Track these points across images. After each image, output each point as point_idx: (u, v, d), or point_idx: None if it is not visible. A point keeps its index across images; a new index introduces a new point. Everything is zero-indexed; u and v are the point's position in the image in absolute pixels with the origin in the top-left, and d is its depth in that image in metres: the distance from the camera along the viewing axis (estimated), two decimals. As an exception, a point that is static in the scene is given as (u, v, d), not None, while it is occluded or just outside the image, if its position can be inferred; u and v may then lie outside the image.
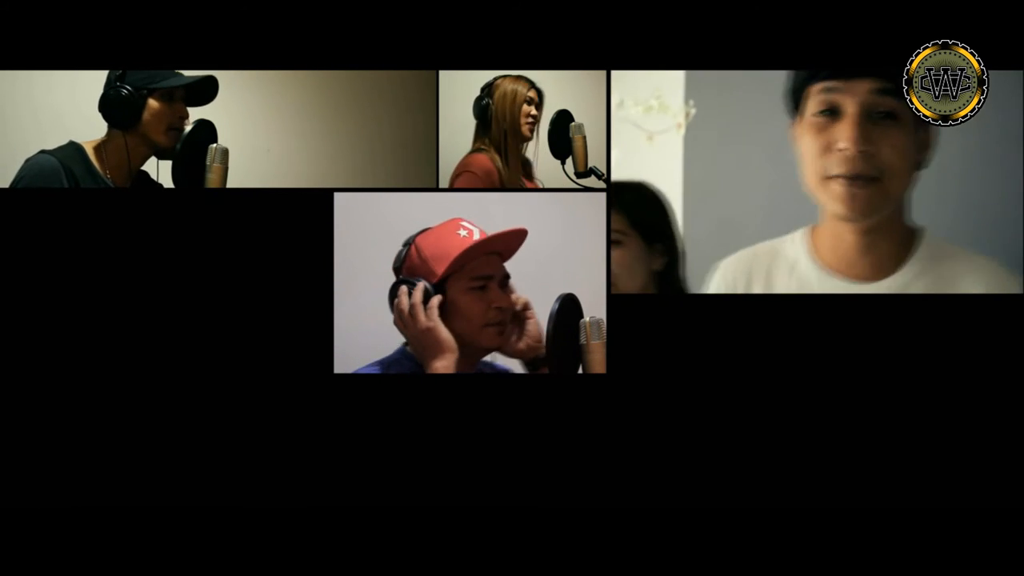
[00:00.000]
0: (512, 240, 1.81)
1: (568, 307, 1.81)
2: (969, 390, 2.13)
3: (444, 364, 1.73)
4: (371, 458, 2.08)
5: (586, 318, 1.82)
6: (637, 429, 2.10)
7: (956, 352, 2.14)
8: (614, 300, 2.06)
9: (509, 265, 1.83)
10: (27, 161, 1.97)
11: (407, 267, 1.80)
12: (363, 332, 2.08)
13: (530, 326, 1.81)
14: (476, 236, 1.77)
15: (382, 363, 1.82)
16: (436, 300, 1.74)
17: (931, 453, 2.13)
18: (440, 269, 1.75)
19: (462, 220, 1.80)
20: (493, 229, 1.80)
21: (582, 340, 1.81)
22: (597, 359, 1.82)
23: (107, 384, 2.01)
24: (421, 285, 1.74)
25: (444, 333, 1.73)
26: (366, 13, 2.10)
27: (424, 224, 1.85)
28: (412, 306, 1.73)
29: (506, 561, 2.05)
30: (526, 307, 1.81)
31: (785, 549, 2.04)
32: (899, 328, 2.15)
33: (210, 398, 2.07)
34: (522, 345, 1.81)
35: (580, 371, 1.83)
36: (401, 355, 1.81)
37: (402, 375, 1.83)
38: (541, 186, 2.28)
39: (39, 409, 2.04)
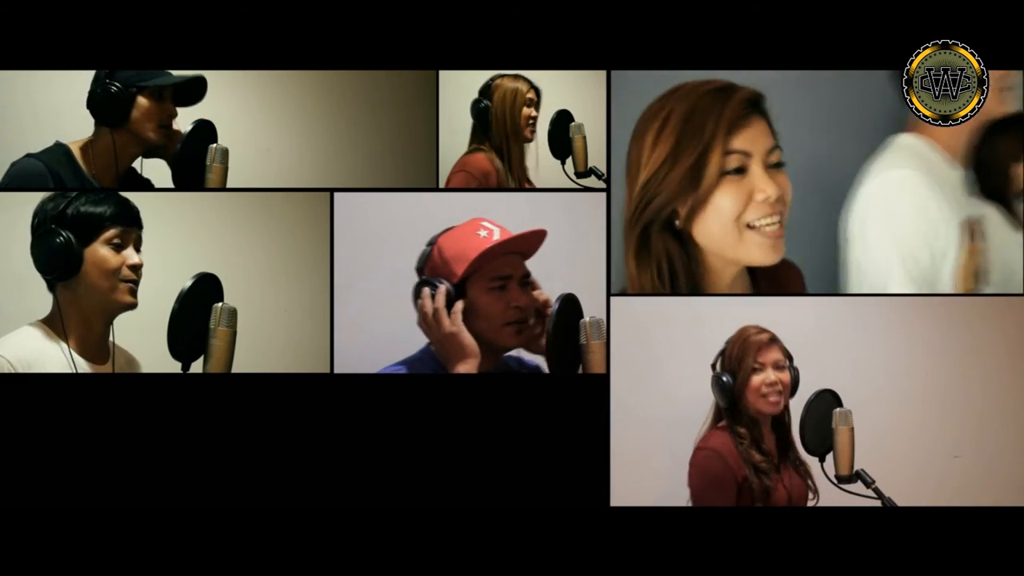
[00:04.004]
0: (531, 240, 1.82)
1: (568, 307, 1.81)
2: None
3: (467, 368, 1.75)
4: (370, 459, 2.08)
5: (586, 318, 1.82)
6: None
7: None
8: (614, 300, 2.06)
9: (509, 264, 1.83)
10: (13, 165, 1.96)
11: (429, 267, 1.81)
12: (363, 332, 2.08)
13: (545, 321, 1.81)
14: (496, 235, 1.78)
15: (406, 363, 1.83)
16: (459, 305, 1.75)
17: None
18: (460, 270, 1.76)
19: (483, 220, 1.82)
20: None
21: (582, 340, 1.81)
22: (597, 359, 1.82)
23: (106, 383, 2.01)
24: (444, 288, 1.75)
25: (467, 338, 1.74)
26: (366, 13, 2.10)
27: (423, 223, 1.86)
28: (436, 310, 1.74)
29: (505, 562, 2.05)
30: (547, 304, 1.82)
31: (785, 549, 2.04)
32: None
33: (209, 398, 2.07)
34: (544, 342, 1.81)
35: (580, 371, 1.83)
36: (424, 354, 1.83)
37: (399, 375, 1.83)
38: (565, 174, 2.27)
39: (39, 409, 2.04)
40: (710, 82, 1.61)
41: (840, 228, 1.92)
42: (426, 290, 1.76)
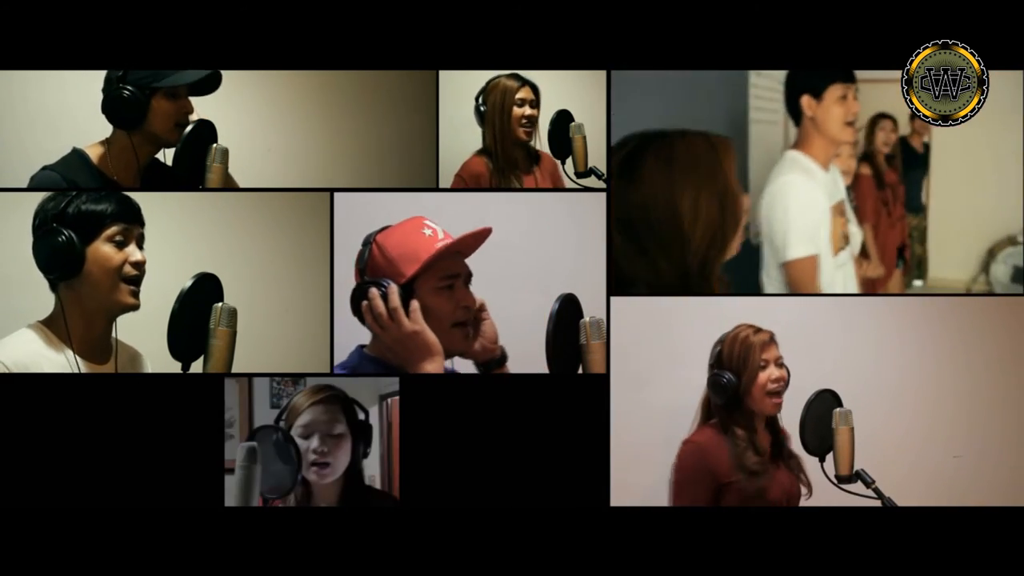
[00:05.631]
0: (479, 240, 1.77)
1: (568, 307, 1.81)
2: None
3: (434, 367, 1.70)
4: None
5: (586, 318, 1.82)
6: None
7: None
8: (614, 300, 2.06)
9: (510, 265, 1.83)
10: (32, 178, 1.95)
11: (371, 268, 1.75)
12: (363, 332, 2.08)
13: (486, 327, 1.79)
14: (440, 235, 1.74)
15: (344, 366, 1.78)
16: (416, 304, 1.70)
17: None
18: (410, 270, 1.71)
19: (425, 219, 1.77)
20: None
21: (582, 340, 1.81)
22: (597, 359, 1.82)
23: (105, 384, 2.01)
24: (395, 287, 1.69)
25: (431, 336, 1.70)
26: (366, 13, 2.10)
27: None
28: (393, 310, 1.69)
29: (505, 562, 2.05)
30: (482, 308, 1.79)
31: (785, 549, 2.04)
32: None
33: (209, 397, 2.07)
34: (477, 346, 1.78)
35: (580, 371, 1.83)
36: (361, 359, 1.77)
37: (404, 375, 1.83)
38: (564, 175, 2.27)
39: (37, 409, 2.04)
40: (697, 141, 1.83)
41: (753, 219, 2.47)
42: (374, 291, 1.70)
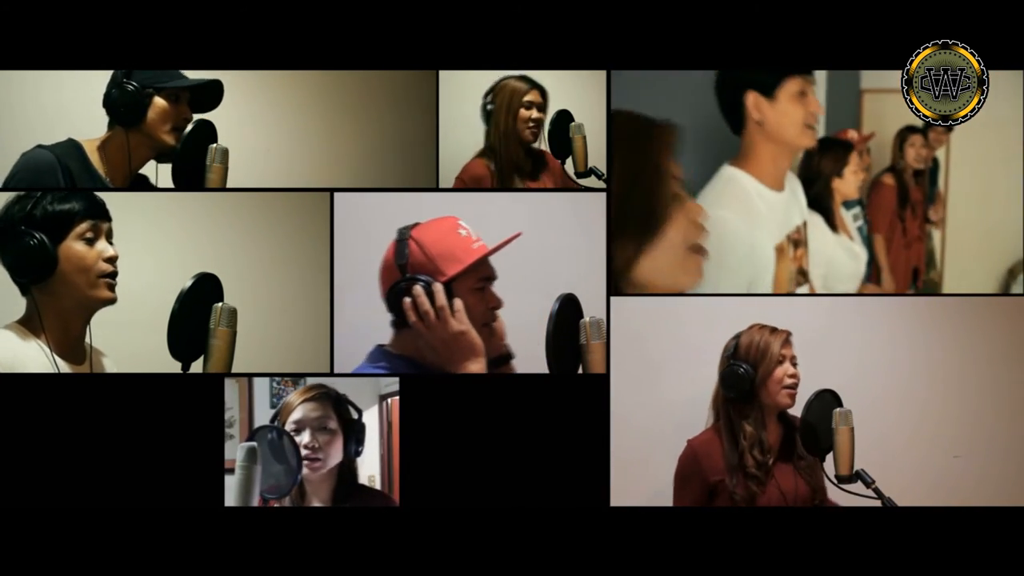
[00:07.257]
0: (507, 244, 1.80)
1: (568, 307, 1.81)
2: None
3: (477, 367, 1.72)
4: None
5: (586, 318, 1.82)
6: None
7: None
8: (614, 300, 2.06)
9: (509, 264, 1.83)
10: (23, 155, 1.94)
11: (412, 264, 1.75)
12: (363, 332, 2.08)
13: (497, 324, 1.80)
14: (473, 236, 1.77)
15: (365, 367, 1.79)
16: (459, 303, 1.71)
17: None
18: (451, 270, 1.72)
19: (459, 220, 1.79)
20: (490, 228, 1.80)
21: (582, 340, 1.81)
22: (597, 359, 1.82)
23: (103, 384, 2.01)
24: (440, 287, 1.71)
25: (476, 336, 1.72)
26: (366, 13, 2.10)
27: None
28: (440, 309, 1.70)
29: (505, 562, 2.05)
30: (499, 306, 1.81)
31: (785, 549, 2.04)
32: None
33: (209, 397, 2.07)
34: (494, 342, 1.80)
35: (580, 371, 1.83)
36: (380, 354, 1.79)
37: (404, 374, 1.83)
38: (564, 176, 2.27)
39: (31, 409, 2.04)
40: (638, 118, 1.79)
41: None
42: (417, 288, 1.71)
